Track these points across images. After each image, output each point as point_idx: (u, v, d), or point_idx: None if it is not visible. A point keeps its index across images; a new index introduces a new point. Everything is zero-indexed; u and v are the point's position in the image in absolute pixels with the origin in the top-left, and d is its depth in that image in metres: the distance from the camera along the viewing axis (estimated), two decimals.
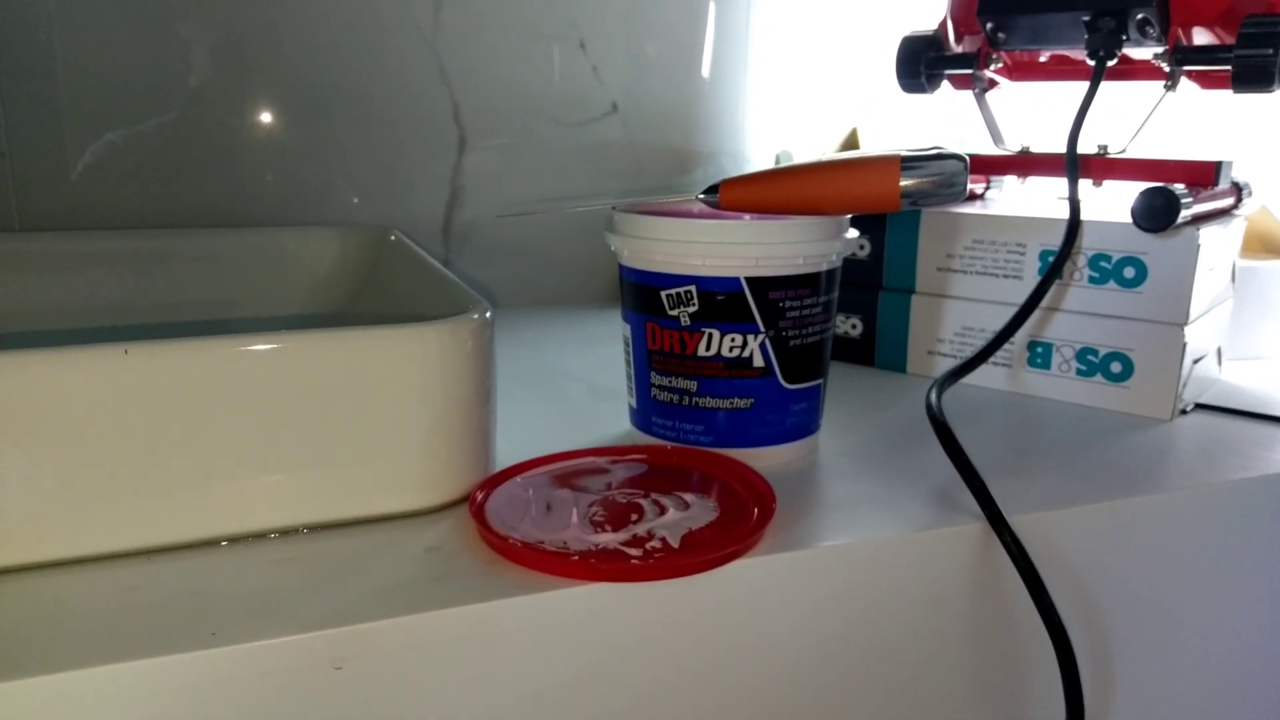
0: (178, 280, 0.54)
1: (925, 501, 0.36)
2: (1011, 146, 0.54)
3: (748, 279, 0.37)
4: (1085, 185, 0.50)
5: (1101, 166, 0.50)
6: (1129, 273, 0.46)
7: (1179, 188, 0.44)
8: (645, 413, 0.40)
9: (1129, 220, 0.45)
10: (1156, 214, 0.43)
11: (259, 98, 0.62)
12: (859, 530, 0.33)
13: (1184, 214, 0.43)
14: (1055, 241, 0.48)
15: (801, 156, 0.76)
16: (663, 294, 0.38)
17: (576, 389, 0.50)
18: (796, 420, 0.39)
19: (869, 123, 0.74)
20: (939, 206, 0.47)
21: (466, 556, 0.31)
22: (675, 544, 0.31)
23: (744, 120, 0.74)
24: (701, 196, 0.38)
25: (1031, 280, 0.49)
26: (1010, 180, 0.57)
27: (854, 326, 0.55)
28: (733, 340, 0.37)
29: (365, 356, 0.32)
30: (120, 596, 0.28)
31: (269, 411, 0.31)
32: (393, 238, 0.56)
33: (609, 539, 0.31)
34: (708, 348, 0.37)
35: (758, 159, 0.76)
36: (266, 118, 0.62)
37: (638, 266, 0.38)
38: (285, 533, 0.32)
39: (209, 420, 0.30)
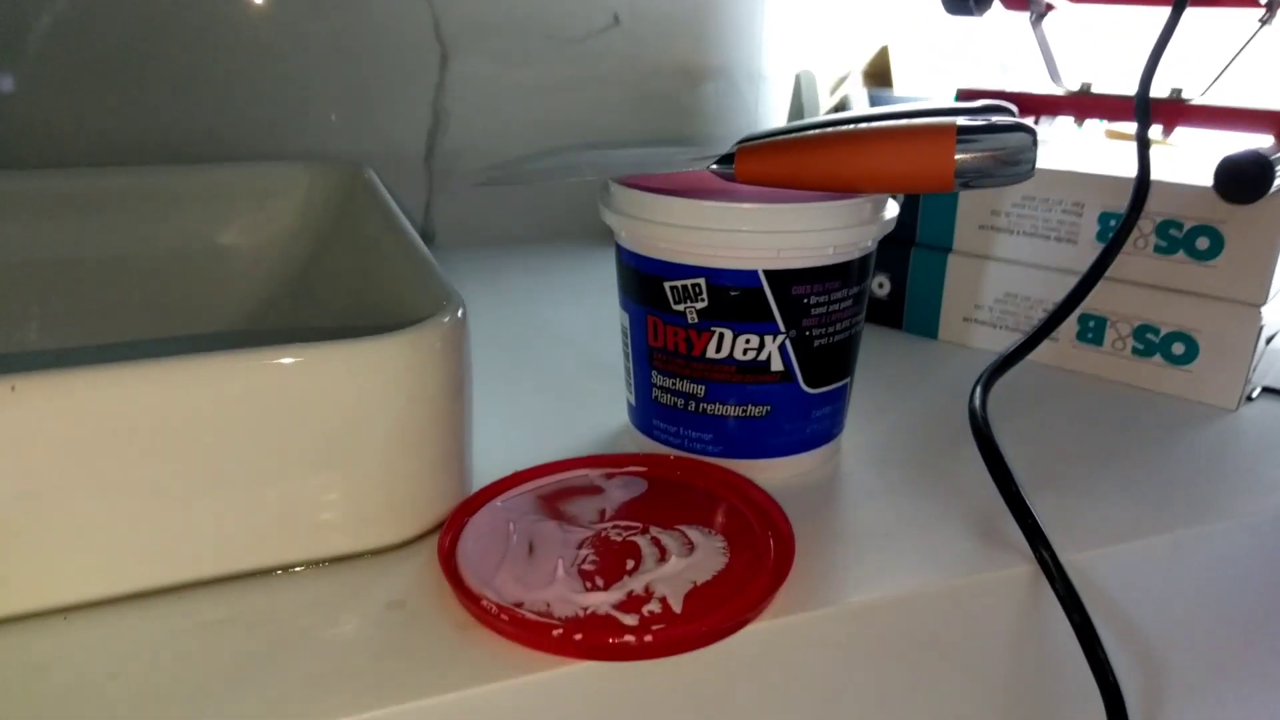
0: (122, 229, 0.48)
1: (964, 530, 0.31)
2: (1069, 84, 0.47)
3: (767, 272, 0.31)
4: (1153, 135, 0.44)
5: (1175, 113, 0.43)
6: (1202, 243, 0.40)
7: (1267, 146, 0.38)
8: (646, 414, 0.35)
9: (1206, 184, 0.39)
10: (1246, 183, 0.37)
11: (218, 10, 0.54)
12: (887, 574, 0.29)
13: (1277, 182, 0.37)
14: (1118, 204, 0.42)
15: (825, 79, 0.68)
16: (666, 285, 0.32)
17: (567, 359, 0.45)
18: (818, 427, 0.34)
19: (901, 42, 0.67)
20: (998, 187, 0.40)
21: (434, 617, 0.26)
22: (677, 606, 0.26)
23: (760, 34, 0.67)
24: (714, 168, 0.32)
25: (1087, 246, 0.43)
26: (1063, 123, 0.50)
27: (880, 285, 0.49)
28: (747, 341, 0.32)
29: (305, 380, 0.26)
30: (27, 678, 0.24)
31: (191, 446, 0.26)
32: (367, 176, 0.50)
33: (600, 600, 0.26)
34: (718, 349, 0.32)
35: (775, 79, 0.68)
36: (226, 33, 0.55)
37: (637, 250, 0.32)
38: (222, 581, 0.28)
39: (118, 459, 0.25)
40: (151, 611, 0.26)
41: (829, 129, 0.31)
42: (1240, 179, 0.37)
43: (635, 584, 0.27)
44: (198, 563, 0.27)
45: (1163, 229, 0.41)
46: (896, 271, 0.49)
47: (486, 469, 0.33)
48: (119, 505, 0.25)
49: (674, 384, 0.33)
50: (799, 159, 0.31)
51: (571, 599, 0.26)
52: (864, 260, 0.33)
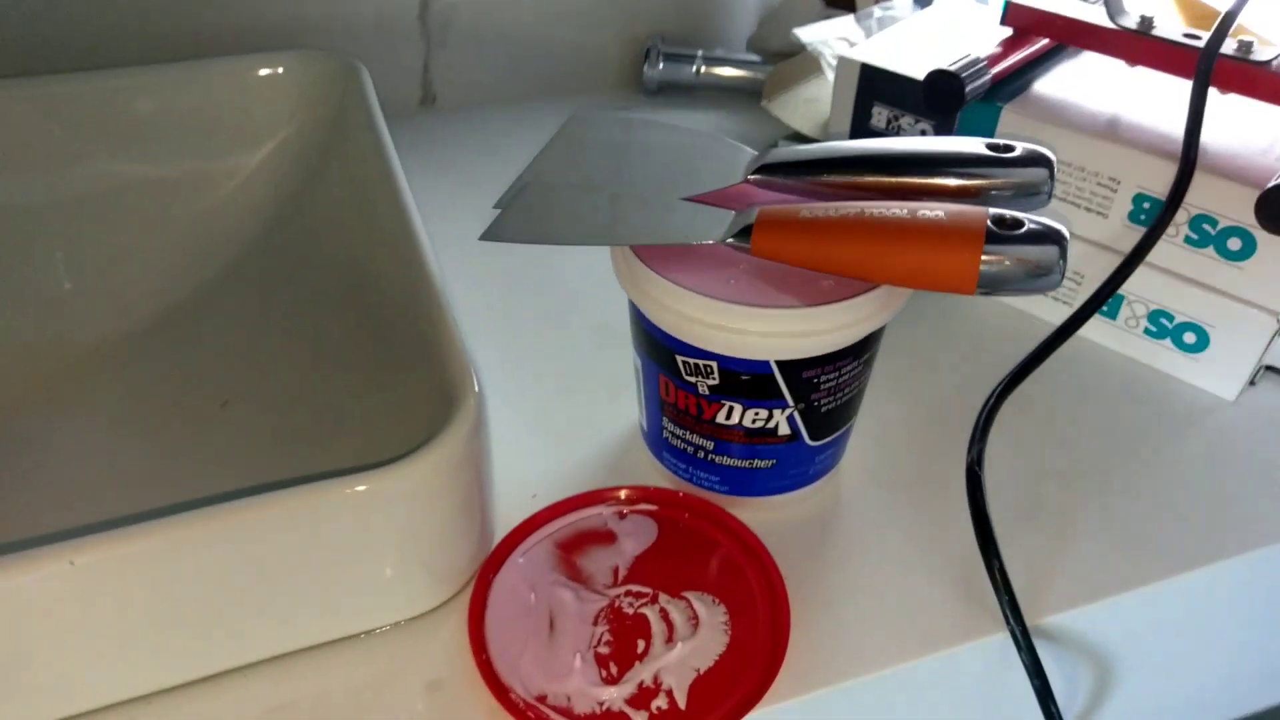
0: (60, 149, 0.46)
1: (948, 589, 0.34)
2: (1129, 18, 0.43)
3: (779, 362, 0.31)
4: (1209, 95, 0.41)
5: (1239, 77, 0.40)
6: (1234, 244, 0.39)
7: None
8: (657, 445, 0.37)
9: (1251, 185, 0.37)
10: None
11: None
12: (874, 647, 0.32)
13: None
14: (1155, 187, 0.40)
15: None
16: (679, 359, 0.32)
17: (577, 322, 0.45)
18: (820, 467, 0.36)
19: None
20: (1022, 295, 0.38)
21: (469, 700, 0.30)
22: (682, 699, 0.30)
23: None
24: (731, 242, 0.31)
25: (1119, 223, 0.41)
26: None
27: None
28: (756, 414, 0.33)
29: (338, 509, 0.28)
30: None
31: (239, 573, 0.28)
32: (357, 87, 0.48)
33: (613, 695, 0.30)
34: (728, 417, 0.33)
35: None
36: None
37: (650, 319, 0.32)
38: (280, 659, 0.31)
39: (174, 592, 0.28)
40: (222, 695, 0.30)
41: (850, 209, 0.30)
42: (1275, 213, 0.35)
43: (645, 673, 0.30)
44: (256, 649, 0.31)
45: (1196, 223, 0.39)
46: None
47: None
48: (185, 618, 0.28)
49: (684, 434, 0.35)
50: (817, 247, 0.30)
51: (589, 692, 0.30)
52: (876, 332, 0.33)
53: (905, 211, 0.30)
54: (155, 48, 0.55)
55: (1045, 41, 0.46)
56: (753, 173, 0.35)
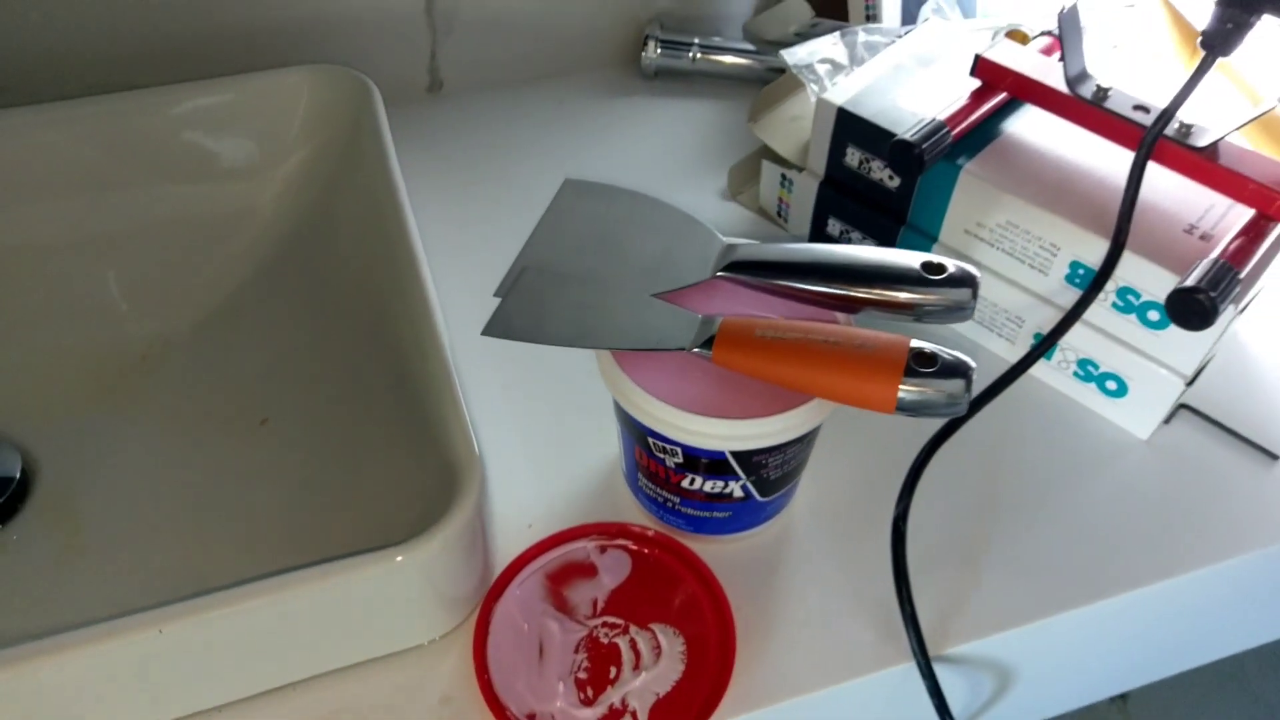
0: (98, 171, 0.51)
1: (868, 620, 0.41)
2: (1087, 87, 0.46)
3: (733, 451, 0.37)
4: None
5: (1176, 158, 0.44)
6: (1153, 315, 0.44)
7: (1224, 262, 0.40)
8: (634, 488, 0.43)
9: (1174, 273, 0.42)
10: (1190, 320, 0.40)
11: None
12: (805, 671, 0.39)
13: (1224, 310, 0.40)
14: (1090, 258, 0.44)
15: None
16: (649, 439, 0.38)
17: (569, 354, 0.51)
18: (770, 513, 0.42)
19: None
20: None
21: (474, 716, 0.38)
22: None
23: None
24: (697, 351, 0.37)
25: (1056, 281, 0.46)
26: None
27: None
28: (714, 484, 0.39)
29: (358, 579, 0.35)
30: None
31: (288, 626, 0.35)
32: (368, 108, 0.52)
33: (589, 715, 0.37)
34: (690, 484, 0.39)
35: None
36: None
37: (624, 407, 0.38)
38: (322, 677, 0.39)
39: (239, 641, 0.35)
40: (279, 706, 0.38)
41: (796, 334, 0.35)
42: (1184, 317, 0.40)
43: (615, 696, 0.38)
44: (302, 670, 0.38)
45: (1123, 293, 0.44)
46: (885, 242, 0.52)
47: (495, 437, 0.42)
48: (249, 652, 0.36)
49: (655, 489, 0.41)
50: (767, 365, 0.35)
51: (569, 713, 0.37)
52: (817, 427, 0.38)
53: (842, 340, 0.35)
54: (165, 47, 0.58)
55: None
56: (721, 269, 0.39)
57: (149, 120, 0.52)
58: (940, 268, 0.37)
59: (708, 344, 0.36)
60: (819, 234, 0.55)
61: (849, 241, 0.53)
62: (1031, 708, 0.49)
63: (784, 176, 0.55)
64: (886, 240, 0.51)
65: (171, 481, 0.47)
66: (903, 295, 0.37)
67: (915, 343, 0.35)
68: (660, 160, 0.62)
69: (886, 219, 0.51)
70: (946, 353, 0.34)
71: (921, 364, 0.34)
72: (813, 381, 0.35)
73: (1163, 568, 0.43)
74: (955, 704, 0.44)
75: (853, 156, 0.50)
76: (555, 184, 0.46)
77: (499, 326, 0.38)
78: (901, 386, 0.34)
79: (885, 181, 0.50)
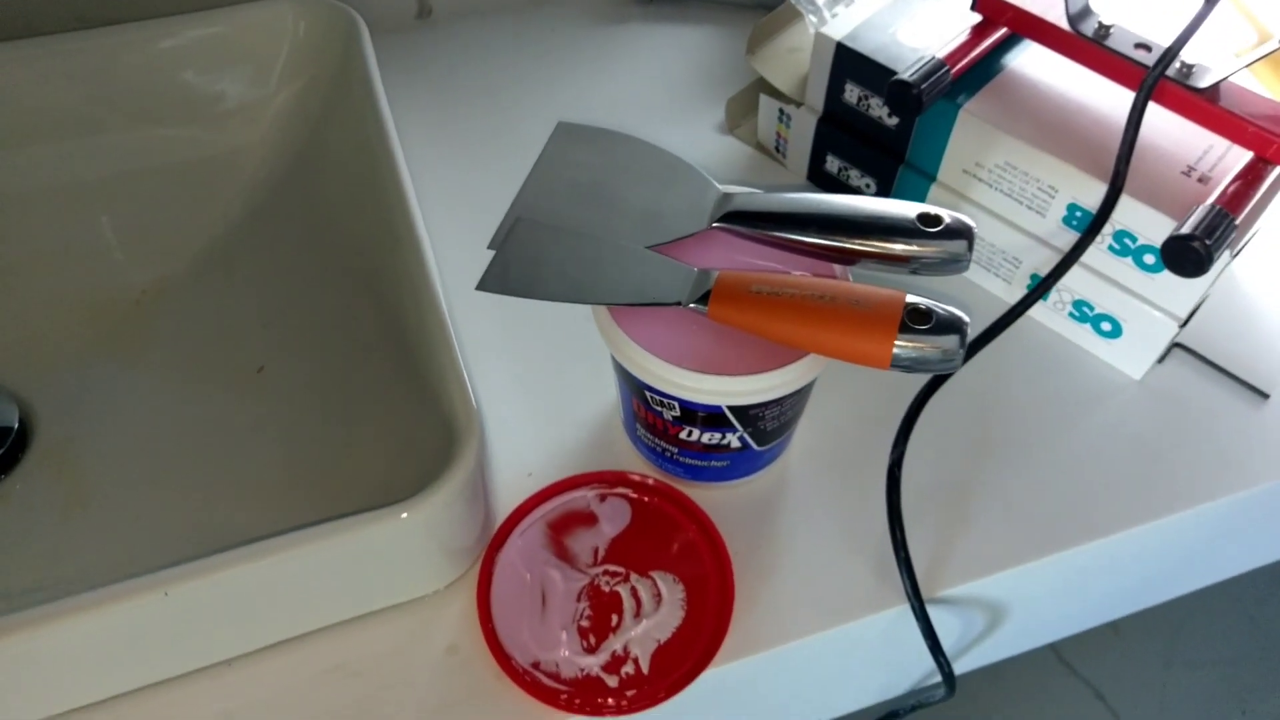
0: (85, 109, 0.50)
1: (866, 566, 0.42)
2: (1089, 24, 0.45)
3: (729, 406, 0.37)
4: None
5: (1176, 99, 0.43)
6: (1149, 259, 0.44)
7: (1220, 208, 0.40)
8: (633, 437, 0.43)
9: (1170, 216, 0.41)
10: (1185, 267, 0.40)
11: None
12: (802, 618, 0.40)
13: (1220, 255, 0.39)
14: (1087, 200, 0.44)
15: None
16: (647, 393, 0.38)
17: None
18: (767, 460, 0.43)
19: None
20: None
21: (479, 663, 0.39)
22: (646, 665, 0.38)
23: None
24: (693, 306, 0.37)
25: (1054, 223, 0.46)
26: None
27: (868, 186, 0.52)
28: (712, 435, 0.39)
29: (364, 537, 0.35)
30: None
31: (299, 579, 0.36)
32: (355, 41, 0.50)
33: (591, 663, 0.38)
34: (688, 436, 0.40)
35: None
36: None
37: (621, 363, 0.38)
38: (333, 628, 0.40)
39: (251, 596, 0.36)
40: (292, 655, 0.39)
41: (793, 290, 0.35)
42: (1180, 264, 0.40)
43: (617, 644, 0.39)
44: (314, 621, 0.39)
45: (1119, 236, 0.44)
46: (884, 182, 0.51)
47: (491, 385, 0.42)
48: (263, 604, 0.37)
49: (653, 440, 0.41)
50: (763, 321, 0.35)
51: (573, 660, 0.39)
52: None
53: (838, 296, 0.35)
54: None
55: None
56: (717, 220, 0.39)
57: (134, 56, 0.51)
58: (936, 219, 0.37)
59: (704, 299, 0.36)
60: (817, 171, 0.54)
61: (847, 179, 0.53)
62: (1023, 638, 0.51)
63: (782, 111, 0.54)
64: (885, 179, 0.51)
65: (170, 430, 0.47)
66: (899, 248, 0.37)
67: (910, 298, 0.35)
68: (656, 90, 0.60)
69: (885, 157, 0.50)
70: (941, 308, 0.34)
71: (916, 321, 0.34)
72: (808, 338, 0.35)
73: (1156, 507, 0.43)
74: (950, 638, 0.45)
75: (851, 93, 0.50)
76: (548, 115, 0.45)
77: (493, 282, 0.38)
78: (896, 343, 0.34)
79: (884, 119, 0.49)
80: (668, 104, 0.60)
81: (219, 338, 0.50)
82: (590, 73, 0.62)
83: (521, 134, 0.58)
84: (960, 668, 0.47)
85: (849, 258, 0.38)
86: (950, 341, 0.34)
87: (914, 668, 0.49)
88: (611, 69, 0.62)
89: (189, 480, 0.45)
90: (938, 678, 0.42)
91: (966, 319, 0.34)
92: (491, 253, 0.39)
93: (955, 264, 0.37)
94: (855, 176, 0.52)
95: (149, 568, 0.34)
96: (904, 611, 0.41)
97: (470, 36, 0.64)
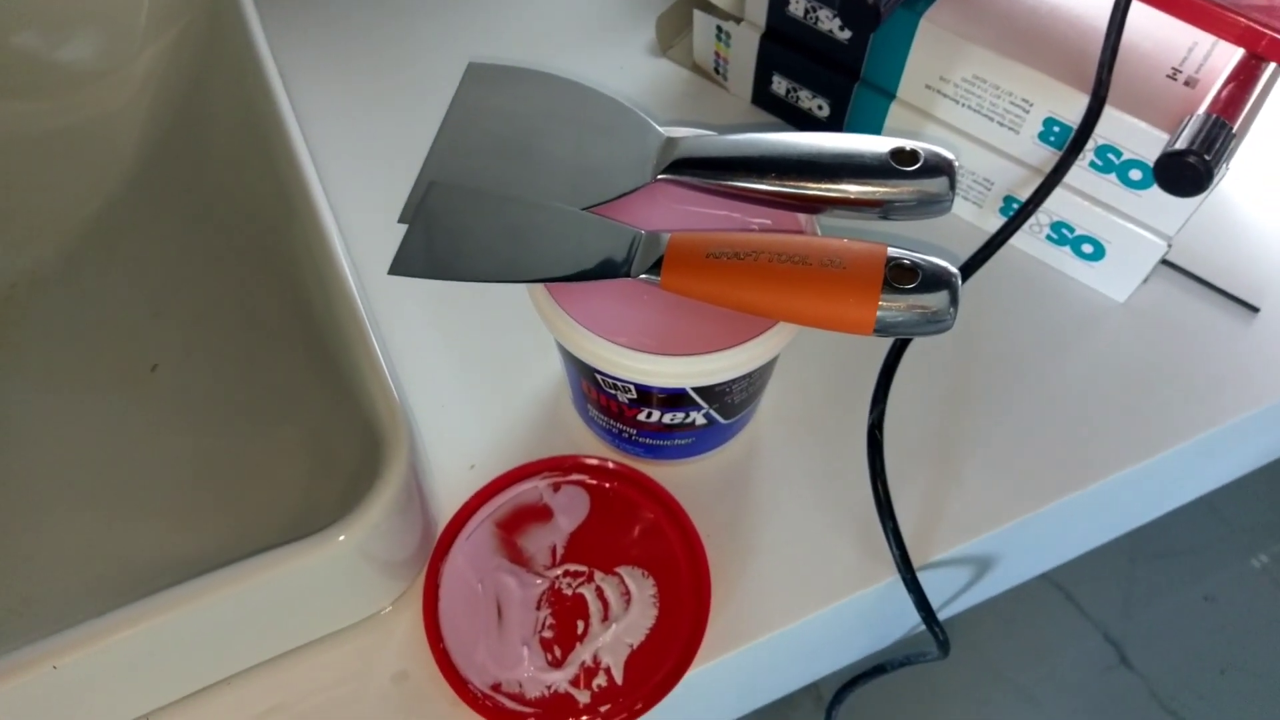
0: None
1: (852, 539, 0.38)
2: None
3: (693, 386, 0.33)
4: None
5: None
6: (1135, 175, 0.40)
7: (1216, 117, 0.36)
8: (585, 417, 0.39)
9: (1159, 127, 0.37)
10: (1183, 186, 0.36)
11: None
12: (785, 604, 0.37)
13: (1220, 174, 0.36)
14: (1066, 113, 0.40)
15: None
16: (598, 376, 0.34)
17: None
18: (736, 429, 0.39)
19: None
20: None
21: (432, 690, 0.35)
22: (619, 675, 0.35)
23: None
24: (644, 277, 0.32)
25: (1029, 140, 0.41)
26: None
27: (820, 108, 0.47)
28: (674, 415, 0.35)
29: (305, 561, 0.31)
30: None
31: (234, 612, 0.31)
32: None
33: (558, 678, 0.35)
34: (648, 417, 0.35)
35: None
36: None
37: (565, 346, 0.33)
38: (269, 663, 0.35)
39: (193, 631, 0.31)
40: (218, 701, 0.34)
41: (755, 250, 0.31)
42: (1177, 183, 0.36)
43: (585, 653, 0.35)
44: (245, 660, 0.34)
45: (1102, 151, 0.40)
46: (837, 101, 0.46)
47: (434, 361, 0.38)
48: (185, 651, 0.32)
49: (608, 422, 0.37)
50: (724, 290, 0.31)
51: (538, 678, 0.35)
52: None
53: (809, 255, 0.30)
54: None
55: None
56: (662, 171, 0.34)
57: None
58: (913, 155, 0.32)
59: (655, 267, 0.31)
60: (763, 93, 0.49)
61: (796, 100, 0.48)
62: (1010, 577, 0.48)
63: (720, 28, 0.48)
64: (840, 99, 0.46)
65: (55, 444, 0.41)
66: (872, 191, 0.32)
67: (893, 252, 0.30)
68: (577, 8, 0.54)
69: (838, 75, 0.45)
70: (926, 261, 0.30)
71: (900, 279, 0.30)
72: (778, 306, 0.31)
73: (1152, 443, 0.40)
74: (940, 597, 0.42)
75: (797, 5, 0.44)
76: (456, 48, 0.39)
77: (408, 264, 0.32)
78: (880, 306, 0.30)
79: (835, 33, 0.44)
80: (591, 25, 0.54)
81: (104, 333, 0.44)
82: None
83: (430, 74, 0.51)
84: (945, 614, 0.45)
85: (815, 205, 0.33)
86: (940, 299, 0.30)
87: (904, 623, 0.46)
88: None
89: (82, 500, 0.40)
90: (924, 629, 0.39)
91: (955, 271, 0.30)
92: (404, 225, 0.34)
93: (935, 205, 0.32)
94: (806, 98, 0.47)
95: (34, 619, 0.29)
96: (895, 582, 0.37)
97: None
